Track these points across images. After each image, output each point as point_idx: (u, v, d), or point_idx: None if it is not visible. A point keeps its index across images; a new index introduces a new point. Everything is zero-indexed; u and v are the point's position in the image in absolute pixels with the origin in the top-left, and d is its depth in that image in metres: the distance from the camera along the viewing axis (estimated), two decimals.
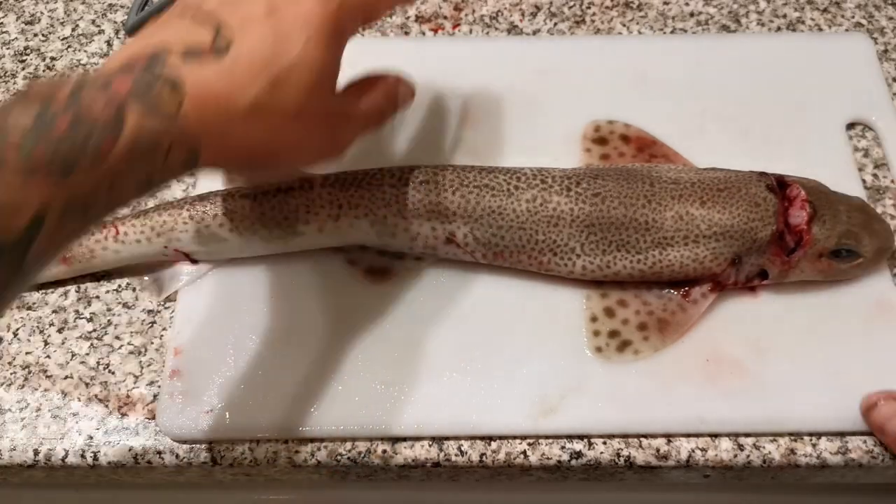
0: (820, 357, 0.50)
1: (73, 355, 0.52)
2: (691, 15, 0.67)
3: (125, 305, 0.54)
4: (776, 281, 0.52)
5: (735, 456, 0.48)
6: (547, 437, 0.48)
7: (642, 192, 0.50)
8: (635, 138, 0.58)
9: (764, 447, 0.48)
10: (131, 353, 0.52)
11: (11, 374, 0.51)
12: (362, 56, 0.63)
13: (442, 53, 0.64)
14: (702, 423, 0.48)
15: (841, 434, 0.48)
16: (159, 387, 0.50)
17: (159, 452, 0.49)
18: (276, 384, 0.50)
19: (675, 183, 0.51)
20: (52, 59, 0.66)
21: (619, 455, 0.48)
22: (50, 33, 0.67)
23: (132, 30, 0.66)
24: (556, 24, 0.67)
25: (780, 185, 0.51)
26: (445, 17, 0.68)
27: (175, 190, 0.58)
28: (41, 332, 0.53)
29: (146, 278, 0.54)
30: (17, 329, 0.53)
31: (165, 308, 0.54)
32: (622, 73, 0.62)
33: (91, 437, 0.49)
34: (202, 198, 0.52)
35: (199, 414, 0.49)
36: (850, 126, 0.60)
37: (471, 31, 0.67)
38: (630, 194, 0.50)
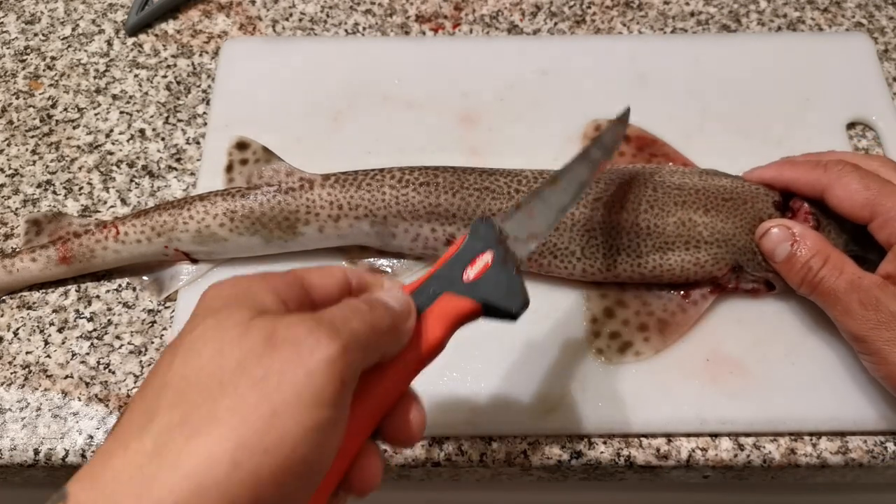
0: (820, 357, 0.50)
1: (73, 355, 0.52)
2: (691, 14, 0.67)
3: (125, 305, 0.54)
4: (784, 290, 0.51)
5: (735, 456, 0.48)
6: (547, 437, 0.48)
7: (644, 197, 0.50)
8: (635, 138, 0.58)
9: (764, 447, 0.48)
10: (131, 352, 0.52)
11: (11, 373, 0.51)
12: (363, 55, 0.64)
13: (442, 53, 0.64)
14: (702, 423, 0.48)
15: (841, 434, 0.48)
16: None
17: None
18: None
19: (679, 189, 0.51)
20: (52, 58, 0.66)
21: (619, 455, 0.48)
22: (50, 33, 0.67)
23: (132, 30, 0.66)
24: (556, 23, 0.67)
25: (784, 197, 0.51)
26: (445, 17, 0.68)
27: (175, 190, 0.58)
28: (41, 331, 0.53)
29: (146, 278, 0.54)
30: (17, 329, 0.53)
31: (165, 308, 0.54)
32: (622, 73, 0.62)
33: (91, 437, 0.49)
34: (202, 198, 0.52)
35: None
36: (850, 126, 0.60)
37: (471, 31, 0.67)
38: (632, 199, 0.50)
